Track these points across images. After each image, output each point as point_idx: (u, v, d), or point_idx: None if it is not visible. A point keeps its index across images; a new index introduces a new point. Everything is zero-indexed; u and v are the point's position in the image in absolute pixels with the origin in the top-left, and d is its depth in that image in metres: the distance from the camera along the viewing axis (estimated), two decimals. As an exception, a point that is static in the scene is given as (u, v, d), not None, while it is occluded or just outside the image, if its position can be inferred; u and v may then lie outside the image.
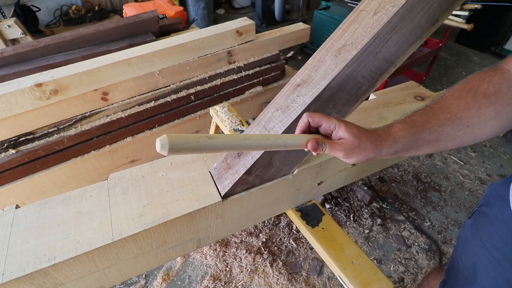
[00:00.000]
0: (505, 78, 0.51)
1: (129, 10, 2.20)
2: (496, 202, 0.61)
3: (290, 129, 0.62)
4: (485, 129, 0.50)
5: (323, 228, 0.84)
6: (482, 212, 0.65)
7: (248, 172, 0.65)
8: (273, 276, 1.39)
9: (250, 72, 1.59)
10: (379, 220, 1.60)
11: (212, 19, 3.77)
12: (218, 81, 1.52)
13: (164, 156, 0.75)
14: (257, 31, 1.59)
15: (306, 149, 0.49)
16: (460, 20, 1.99)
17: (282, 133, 0.62)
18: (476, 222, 0.66)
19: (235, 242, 1.52)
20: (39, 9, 2.97)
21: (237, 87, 1.59)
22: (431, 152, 0.54)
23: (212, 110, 1.20)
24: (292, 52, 2.78)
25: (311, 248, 1.50)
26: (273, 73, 1.70)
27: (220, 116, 1.16)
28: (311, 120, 0.49)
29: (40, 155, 1.22)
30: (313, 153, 0.50)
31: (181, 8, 2.24)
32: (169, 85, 1.43)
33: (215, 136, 0.41)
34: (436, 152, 0.54)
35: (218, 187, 0.68)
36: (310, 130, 0.51)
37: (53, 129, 1.24)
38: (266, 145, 0.45)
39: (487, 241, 0.59)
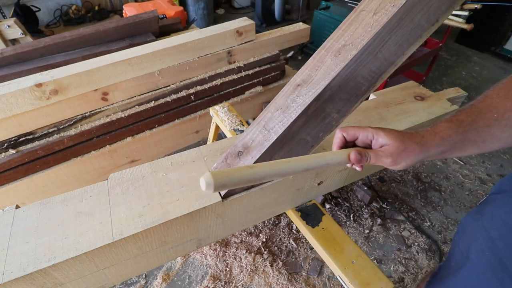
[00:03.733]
0: None
1: (129, 10, 2.20)
2: (506, 188, 0.60)
3: (290, 129, 0.62)
4: None
5: (323, 228, 0.84)
6: (489, 199, 0.64)
7: (248, 172, 0.65)
8: (273, 276, 1.39)
9: (250, 72, 1.59)
10: (379, 220, 1.60)
11: (212, 19, 3.77)
12: (218, 81, 1.52)
13: (164, 156, 0.75)
14: (257, 31, 1.59)
15: (349, 165, 0.47)
16: (460, 20, 1.99)
17: (282, 133, 0.62)
18: (481, 207, 0.64)
19: (235, 242, 1.52)
20: (39, 9, 2.97)
21: (237, 87, 1.59)
22: (474, 153, 0.53)
23: (212, 110, 1.20)
24: (292, 52, 2.78)
25: (311, 248, 1.50)
26: (273, 73, 1.70)
27: (220, 116, 1.16)
28: (345, 134, 0.48)
29: (40, 155, 1.22)
30: (357, 168, 0.47)
31: (181, 8, 2.24)
32: (169, 85, 1.43)
33: (256, 166, 0.40)
34: (480, 153, 0.53)
35: (218, 187, 0.68)
36: (347, 145, 0.50)
37: (53, 129, 1.24)
38: (307, 165, 0.44)
39: (488, 222, 0.58)
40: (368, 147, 0.49)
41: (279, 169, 0.41)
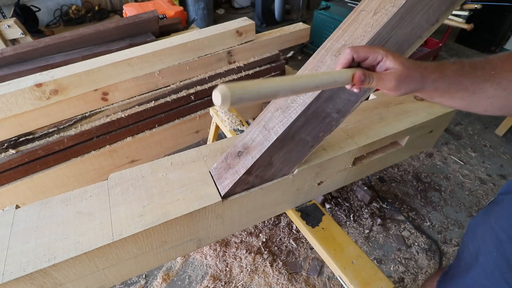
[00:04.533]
0: None
1: (129, 10, 2.20)
2: None
3: (290, 129, 0.62)
4: None
5: (323, 228, 0.84)
6: (497, 199, 0.64)
7: (248, 172, 0.65)
8: (273, 276, 1.39)
9: (250, 72, 1.59)
10: (379, 220, 1.60)
11: (212, 19, 3.77)
12: (218, 81, 1.51)
13: (164, 156, 0.75)
14: (257, 31, 1.59)
15: (348, 86, 0.47)
16: (460, 20, 1.99)
17: (282, 133, 0.62)
18: (489, 209, 0.65)
19: (235, 242, 1.52)
20: (39, 9, 2.97)
21: (237, 87, 1.59)
22: (460, 106, 0.54)
23: (212, 110, 1.20)
24: (292, 52, 2.78)
25: (311, 248, 1.50)
26: (273, 73, 1.70)
27: (220, 116, 1.16)
28: (356, 55, 0.47)
29: (40, 155, 1.22)
30: (354, 89, 0.47)
31: (181, 8, 2.24)
32: (169, 85, 1.43)
33: (270, 80, 0.39)
34: (463, 109, 0.55)
35: (218, 187, 0.68)
36: (352, 65, 0.49)
37: (53, 129, 1.24)
38: (317, 82, 0.44)
39: (496, 223, 0.59)
40: (372, 69, 0.49)
41: (292, 84, 0.41)
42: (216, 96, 0.33)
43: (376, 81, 0.47)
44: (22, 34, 2.15)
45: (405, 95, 0.51)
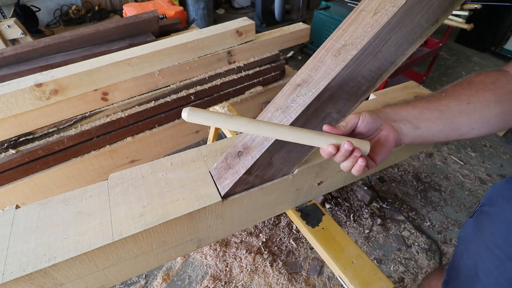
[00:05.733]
0: (504, 74, 0.53)
1: (129, 10, 2.20)
2: (498, 201, 0.61)
3: (290, 129, 0.62)
4: (490, 110, 0.51)
5: (323, 228, 0.84)
6: (484, 211, 0.65)
7: (248, 172, 0.65)
8: (273, 276, 1.39)
9: (250, 72, 1.59)
10: (379, 220, 1.60)
11: (212, 19, 3.77)
12: (218, 81, 1.52)
13: (164, 156, 0.75)
14: (257, 31, 1.59)
15: (324, 153, 0.52)
16: (460, 20, 1.99)
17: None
18: (478, 221, 0.65)
19: (235, 242, 1.52)
20: (39, 9, 2.97)
21: (237, 87, 1.59)
22: (446, 130, 0.56)
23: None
24: (292, 52, 2.78)
25: (311, 248, 1.50)
26: (273, 73, 1.70)
27: (220, 116, 1.16)
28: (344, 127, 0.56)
29: (40, 155, 1.22)
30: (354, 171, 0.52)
31: (181, 8, 2.24)
32: (169, 85, 1.43)
33: (236, 117, 0.48)
34: (453, 131, 0.56)
35: (218, 187, 0.68)
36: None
37: (53, 129, 1.24)
38: (300, 139, 0.50)
39: (489, 240, 0.59)
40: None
41: (253, 125, 0.48)
42: (183, 112, 0.45)
43: (348, 142, 0.50)
44: (22, 34, 2.15)
45: (392, 137, 0.55)
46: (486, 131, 0.54)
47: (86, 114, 1.29)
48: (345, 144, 0.47)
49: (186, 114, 0.45)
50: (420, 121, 0.55)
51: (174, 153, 0.77)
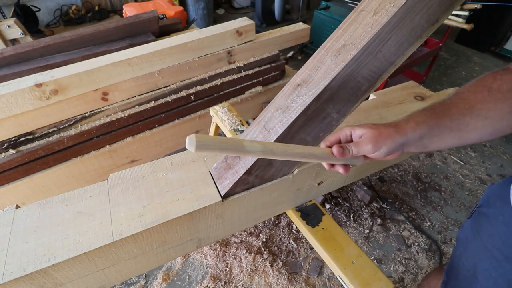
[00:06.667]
0: None
1: (129, 10, 2.20)
2: (496, 202, 0.61)
3: (290, 129, 0.62)
4: (503, 123, 0.51)
5: (323, 228, 0.84)
6: (482, 212, 0.65)
7: (248, 172, 0.65)
8: (273, 276, 1.39)
9: (250, 72, 1.59)
10: (379, 220, 1.60)
11: (212, 19, 3.77)
12: (218, 81, 1.51)
13: (164, 156, 0.75)
14: (257, 31, 1.59)
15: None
16: (460, 20, 1.99)
17: (282, 133, 0.62)
18: (476, 222, 0.66)
19: (235, 242, 1.52)
20: (39, 9, 2.97)
21: (237, 87, 1.59)
22: (454, 145, 0.55)
23: (212, 110, 1.20)
24: (292, 52, 2.78)
25: (311, 248, 1.50)
26: (273, 73, 1.70)
27: (220, 116, 1.16)
28: (328, 143, 0.53)
29: (40, 155, 1.22)
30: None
31: (181, 8, 2.24)
32: (169, 85, 1.43)
33: (243, 141, 0.42)
34: (460, 145, 0.55)
35: (218, 187, 0.68)
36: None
37: (53, 129, 1.24)
38: (293, 153, 0.47)
39: (488, 241, 0.59)
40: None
41: (264, 148, 0.43)
42: (187, 141, 0.38)
43: (355, 148, 0.50)
44: (22, 34, 2.15)
45: (392, 154, 0.53)
46: (491, 139, 0.54)
47: (86, 114, 1.29)
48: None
49: (189, 142, 0.38)
50: (431, 142, 0.53)
51: (174, 153, 0.77)
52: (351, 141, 0.52)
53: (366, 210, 1.67)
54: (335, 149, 0.49)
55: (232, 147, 0.41)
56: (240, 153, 0.42)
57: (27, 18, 2.77)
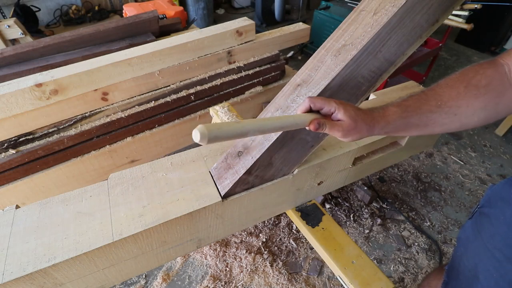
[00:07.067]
0: (498, 71, 0.53)
1: (129, 10, 2.20)
2: (497, 203, 0.61)
3: (290, 129, 0.62)
4: (472, 119, 0.54)
5: (323, 228, 0.84)
6: (483, 213, 0.65)
7: (248, 172, 0.65)
8: (273, 276, 1.39)
9: (250, 72, 1.59)
10: (379, 220, 1.60)
11: (212, 19, 3.77)
12: (218, 81, 1.51)
13: (164, 156, 0.75)
14: (257, 31, 1.59)
15: (307, 128, 0.53)
16: (460, 20, 1.99)
17: (282, 133, 0.62)
18: (477, 223, 0.66)
19: (235, 242, 1.52)
20: (39, 9, 2.97)
21: (237, 87, 1.59)
22: (416, 134, 0.60)
23: (212, 110, 1.20)
24: (292, 52, 2.78)
25: (311, 248, 1.50)
26: (273, 73, 1.70)
27: (220, 116, 1.16)
28: (312, 105, 0.54)
29: (40, 155, 1.22)
30: (309, 127, 0.54)
31: (181, 8, 2.24)
32: (169, 85, 1.43)
33: (243, 121, 0.45)
34: (421, 134, 0.61)
35: (218, 187, 0.68)
36: (311, 111, 0.55)
37: (53, 129, 1.24)
38: (282, 123, 0.50)
39: (489, 242, 0.59)
40: (328, 116, 0.55)
41: (261, 125, 0.47)
42: (195, 134, 0.40)
43: (328, 129, 0.53)
44: (22, 34, 2.15)
45: (353, 141, 0.58)
46: (457, 131, 0.56)
47: (86, 114, 1.29)
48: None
49: (200, 136, 0.40)
50: (395, 134, 0.57)
51: (174, 153, 0.77)
52: (330, 115, 0.54)
53: (366, 210, 1.67)
54: (313, 125, 0.52)
55: (237, 133, 0.44)
56: (245, 136, 0.45)
57: (27, 18, 2.77)
